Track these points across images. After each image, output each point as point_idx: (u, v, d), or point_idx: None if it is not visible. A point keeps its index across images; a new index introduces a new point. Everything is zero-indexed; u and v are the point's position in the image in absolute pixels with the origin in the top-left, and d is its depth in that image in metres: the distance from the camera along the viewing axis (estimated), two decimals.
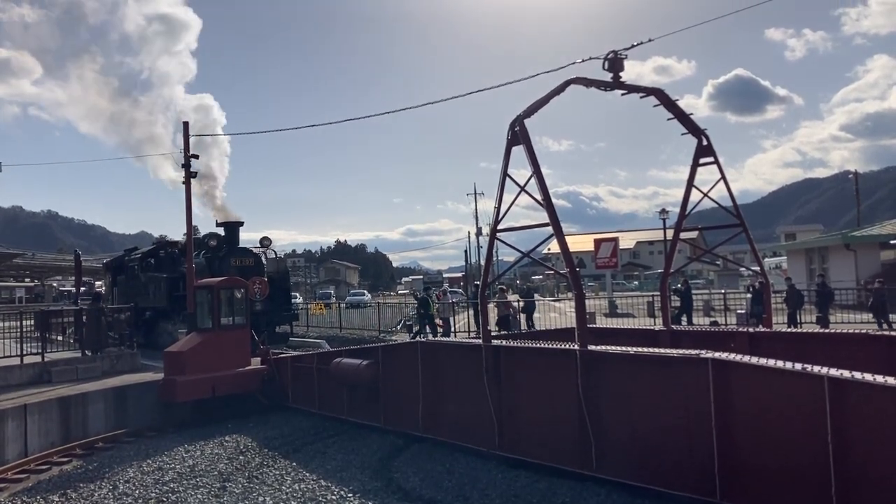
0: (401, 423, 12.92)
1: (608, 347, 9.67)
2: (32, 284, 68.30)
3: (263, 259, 24.55)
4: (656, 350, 9.44)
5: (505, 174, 11.01)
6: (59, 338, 19.17)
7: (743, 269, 44.10)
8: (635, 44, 11.63)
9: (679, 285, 25.76)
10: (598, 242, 39.31)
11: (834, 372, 6.82)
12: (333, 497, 9.67)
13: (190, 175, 20.54)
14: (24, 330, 17.21)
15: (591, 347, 9.54)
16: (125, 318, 19.49)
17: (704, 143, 12.52)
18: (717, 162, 12.50)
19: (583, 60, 11.70)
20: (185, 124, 21.02)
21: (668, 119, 12.43)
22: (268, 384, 16.35)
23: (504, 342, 11.50)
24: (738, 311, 25.43)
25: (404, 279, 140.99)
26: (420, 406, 12.30)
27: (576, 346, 9.63)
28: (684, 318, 23.95)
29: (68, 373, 16.34)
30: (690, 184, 12.95)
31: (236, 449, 12.68)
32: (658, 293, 15.49)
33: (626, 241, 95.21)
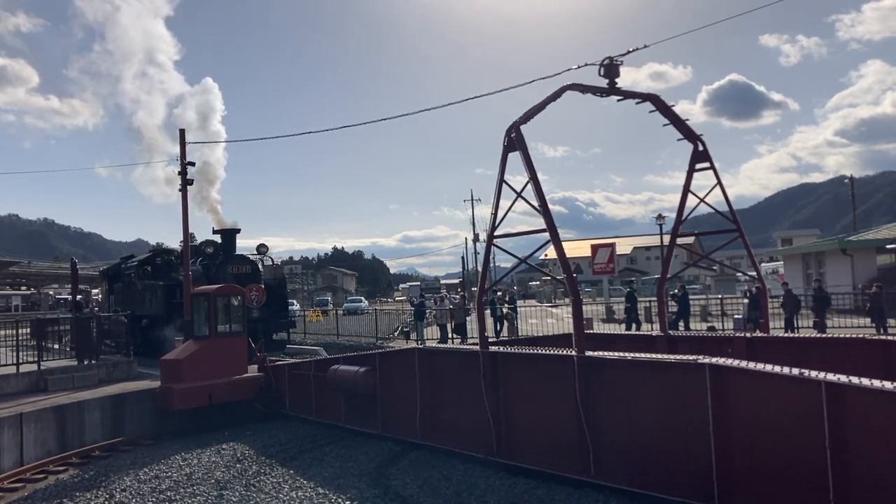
0: (398, 429, 12.89)
1: (606, 353, 9.67)
2: (29, 292, 68.19)
3: (260, 266, 24.53)
4: (654, 356, 9.44)
5: (501, 180, 11.03)
6: (56, 346, 19.10)
7: (740, 274, 44.15)
8: (631, 50, 11.65)
9: (676, 291, 25.79)
10: (595, 248, 39.41)
11: (831, 377, 6.82)
12: None
13: (186, 182, 20.55)
14: (21, 338, 17.13)
15: (589, 353, 9.53)
16: (122, 325, 19.45)
17: (700, 148, 12.54)
18: (713, 167, 12.52)
19: (578, 67, 11.74)
20: (182, 132, 21.06)
21: (664, 125, 12.46)
22: (265, 392, 16.30)
23: (502, 348, 11.48)
24: (736, 317, 25.45)
25: (401, 286, 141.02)
26: (418, 413, 12.27)
27: (573, 352, 9.63)
28: (681, 324, 23.95)
29: (65, 381, 16.28)
30: (686, 189, 12.97)
31: (233, 457, 12.63)
32: (655, 298, 15.49)
33: (623, 246, 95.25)
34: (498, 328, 26.09)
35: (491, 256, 12.26)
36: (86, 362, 17.52)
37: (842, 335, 12.09)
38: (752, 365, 7.84)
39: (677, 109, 12.27)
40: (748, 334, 12.80)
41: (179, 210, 20.80)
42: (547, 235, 10.48)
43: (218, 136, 25.28)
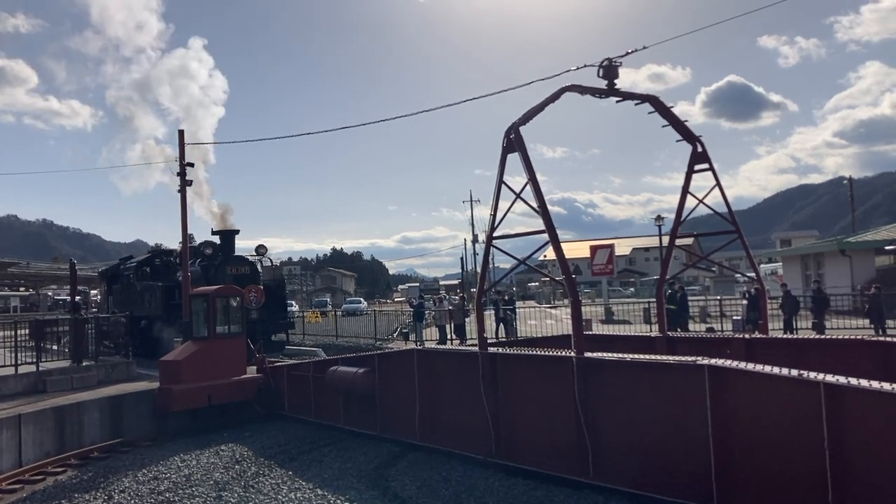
0: (397, 431, 12.89)
1: (605, 354, 9.67)
2: (27, 293, 68.14)
3: (259, 267, 24.53)
4: (653, 357, 9.43)
5: (500, 182, 11.03)
6: (55, 347, 19.08)
7: (738, 275, 44.18)
8: (630, 51, 11.66)
9: (675, 291, 25.77)
10: (594, 249, 39.42)
11: (830, 378, 6.82)
12: None
13: (185, 183, 20.55)
14: (19, 339, 17.12)
15: (588, 354, 9.53)
16: (121, 326, 19.43)
17: (699, 149, 12.54)
18: (711, 168, 12.52)
19: (577, 68, 11.73)
20: (181, 132, 21.07)
21: (663, 126, 12.46)
22: (264, 393, 16.29)
23: (500, 349, 11.48)
24: (734, 318, 25.45)
25: (400, 287, 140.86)
26: (417, 414, 12.27)
27: (572, 353, 9.63)
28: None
29: (63, 382, 16.28)
30: (685, 190, 12.97)
31: (232, 458, 12.62)
32: (654, 299, 15.48)
33: (622, 247, 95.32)
34: (505, 329, 25.95)
35: (490, 257, 12.27)
36: (83, 363, 17.51)
37: (840, 336, 12.10)
38: (750, 366, 7.84)
39: (676, 110, 12.27)
40: (747, 335, 12.81)
41: (154, 201, 20.89)
42: (546, 236, 10.48)
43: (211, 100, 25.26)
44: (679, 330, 23.02)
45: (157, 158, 25.18)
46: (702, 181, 12.80)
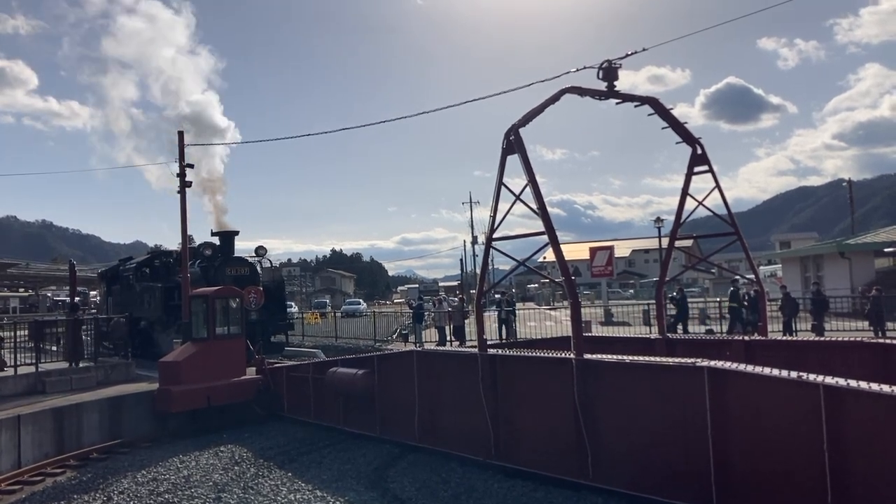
0: (397, 432, 12.88)
1: (604, 356, 9.67)
2: (27, 294, 68.02)
3: (259, 268, 24.50)
4: (652, 359, 9.44)
5: (500, 183, 11.04)
6: (54, 348, 19.08)
7: (738, 277, 44.10)
8: (629, 53, 11.69)
9: (675, 293, 25.81)
10: (593, 251, 39.39)
11: (829, 380, 6.83)
12: None
13: (185, 184, 20.55)
14: (18, 340, 17.11)
15: (587, 356, 9.53)
16: (121, 327, 19.42)
17: (699, 151, 12.56)
18: (711, 170, 12.55)
19: (577, 70, 11.77)
20: (181, 133, 21.06)
21: (663, 128, 12.49)
22: (263, 394, 16.29)
23: (500, 351, 11.48)
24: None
25: (400, 288, 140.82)
26: (416, 415, 12.27)
27: (572, 355, 9.63)
28: (680, 327, 23.96)
29: (62, 383, 16.27)
30: (685, 192, 12.99)
31: (231, 459, 12.62)
32: (654, 301, 15.50)
33: (622, 249, 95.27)
34: (505, 330, 25.90)
35: (490, 259, 12.27)
36: (81, 364, 17.50)
37: (840, 338, 12.11)
38: (750, 368, 7.85)
39: (676, 112, 12.30)
40: (746, 337, 12.82)
41: (129, 183, 20.88)
42: (545, 238, 10.49)
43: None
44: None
45: (120, 121, 25.10)
46: (701, 183, 12.83)
